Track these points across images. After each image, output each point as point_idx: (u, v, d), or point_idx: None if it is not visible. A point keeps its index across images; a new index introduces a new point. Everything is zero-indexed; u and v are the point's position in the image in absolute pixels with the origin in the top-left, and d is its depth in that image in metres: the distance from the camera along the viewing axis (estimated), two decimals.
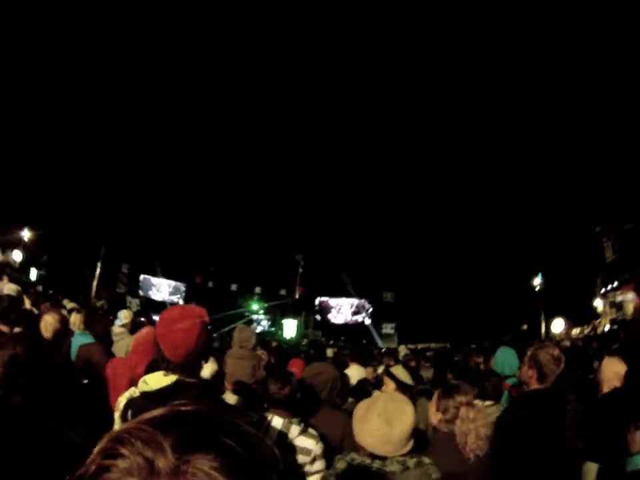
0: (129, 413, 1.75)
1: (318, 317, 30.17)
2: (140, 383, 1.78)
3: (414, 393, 3.45)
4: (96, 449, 0.45)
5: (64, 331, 3.14)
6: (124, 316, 5.33)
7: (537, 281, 19.36)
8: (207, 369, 3.15)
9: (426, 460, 1.97)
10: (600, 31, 19.54)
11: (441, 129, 26.24)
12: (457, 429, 2.35)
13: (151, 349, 3.14)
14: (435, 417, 2.55)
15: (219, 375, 3.50)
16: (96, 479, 0.42)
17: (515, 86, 23.21)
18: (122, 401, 2.49)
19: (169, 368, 1.69)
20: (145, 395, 1.73)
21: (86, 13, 23.60)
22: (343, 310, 30.69)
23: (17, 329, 3.66)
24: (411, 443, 1.97)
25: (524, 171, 23.10)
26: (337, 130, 28.52)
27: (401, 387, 3.27)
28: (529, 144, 22.95)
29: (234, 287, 29.70)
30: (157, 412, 0.46)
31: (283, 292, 28.12)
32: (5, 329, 3.15)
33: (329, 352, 10.33)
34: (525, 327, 19.16)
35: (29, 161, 24.52)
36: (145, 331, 3.58)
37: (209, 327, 1.73)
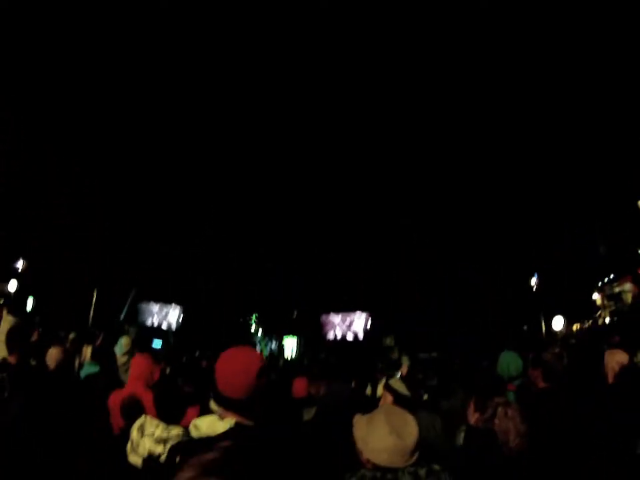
0: (177, 459, 1.59)
1: (326, 334, 30.13)
2: (190, 427, 1.69)
3: (412, 404, 3.22)
4: None
5: (67, 363, 3.55)
6: (124, 343, 5.08)
7: (534, 281, 19.54)
8: None
9: (436, 467, 1.96)
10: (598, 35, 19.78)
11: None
12: (497, 427, 2.32)
13: (145, 375, 3.38)
14: (472, 417, 2.56)
15: None
16: None
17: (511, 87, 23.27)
18: (134, 429, 2.49)
19: (224, 404, 1.63)
20: (198, 441, 1.59)
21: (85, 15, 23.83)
22: (339, 325, 30.70)
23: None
24: (418, 452, 1.97)
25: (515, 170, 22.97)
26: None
27: (399, 399, 3.15)
28: (523, 142, 22.71)
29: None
30: None
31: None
32: (12, 360, 3.30)
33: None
34: (525, 327, 19.27)
35: (22, 192, 24.57)
36: (138, 357, 3.67)
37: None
